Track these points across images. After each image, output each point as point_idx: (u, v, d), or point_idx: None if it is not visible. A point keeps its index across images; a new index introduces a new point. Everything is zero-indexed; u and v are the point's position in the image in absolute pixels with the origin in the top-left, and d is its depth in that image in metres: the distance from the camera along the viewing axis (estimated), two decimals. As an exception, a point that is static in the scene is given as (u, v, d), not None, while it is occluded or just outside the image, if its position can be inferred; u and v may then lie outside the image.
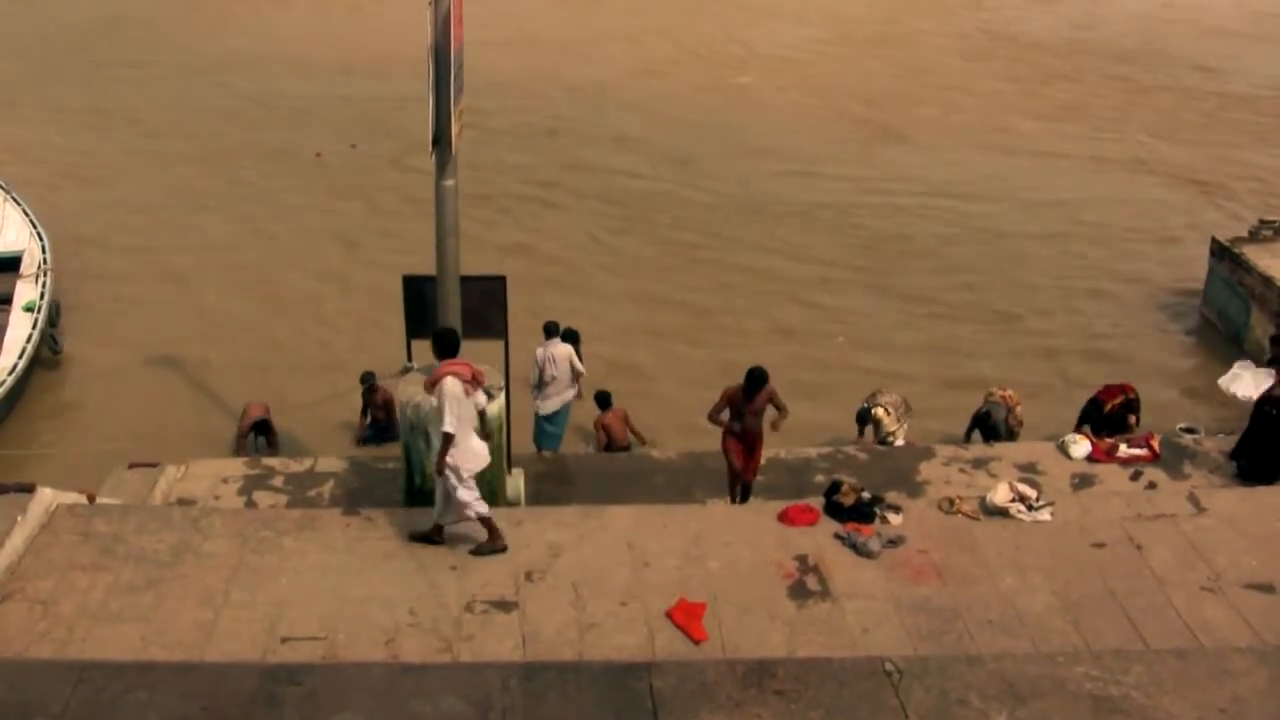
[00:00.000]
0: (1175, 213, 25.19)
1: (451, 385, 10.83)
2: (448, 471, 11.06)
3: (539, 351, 15.43)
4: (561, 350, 15.52)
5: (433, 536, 11.62)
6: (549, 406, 15.58)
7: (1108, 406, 15.47)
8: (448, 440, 10.89)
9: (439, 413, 10.90)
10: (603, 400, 16.31)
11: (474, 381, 11.06)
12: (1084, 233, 24.02)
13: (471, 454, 11.19)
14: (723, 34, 37.41)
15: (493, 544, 11.52)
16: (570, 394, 15.79)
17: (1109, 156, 28.05)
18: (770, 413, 13.26)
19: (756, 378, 12.96)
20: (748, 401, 13.07)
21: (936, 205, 25.10)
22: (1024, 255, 22.97)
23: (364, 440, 16.37)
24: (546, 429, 15.74)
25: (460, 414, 10.90)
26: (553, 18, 37.43)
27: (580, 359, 16.21)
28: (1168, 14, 39.71)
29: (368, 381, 16.27)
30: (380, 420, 16.35)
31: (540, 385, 15.47)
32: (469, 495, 11.26)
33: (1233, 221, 23.43)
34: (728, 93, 32.17)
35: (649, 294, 21.09)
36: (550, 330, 15.65)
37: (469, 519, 11.44)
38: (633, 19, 38.34)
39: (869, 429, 15.83)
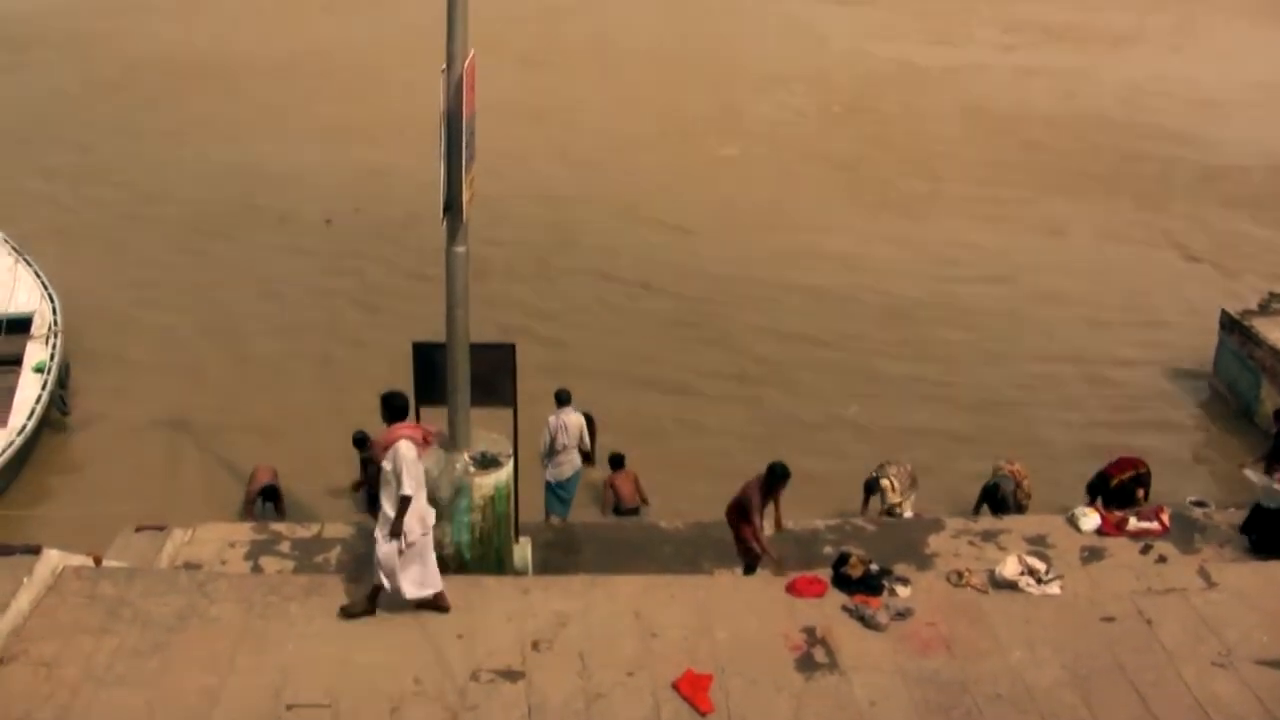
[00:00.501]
0: (1176, 285, 25.11)
1: (406, 449, 10.95)
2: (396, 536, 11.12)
3: (551, 420, 15.48)
4: (574, 419, 15.58)
5: (367, 603, 11.58)
6: (560, 474, 15.62)
7: (1115, 480, 15.44)
8: (406, 503, 10.98)
9: (395, 476, 10.97)
10: (616, 461, 16.42)
11: (425, 444, 11.18)
12: (1086, 305, 23.93)
13: (420, 518, 11.26)
14: (707, 103, 37.09)
15: (361, 606, 11.51)
16: (579, 462, 15.82)
17: (1105, 229, 27.91)
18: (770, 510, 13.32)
19: (779, 473, 12.98)
20: (768, 496, 13.05)
21: (937, 282, 24.87)
22: (1028, 330, 22.84)
23: (368, 507, 16.25)
24: (557, 496, 15.77)
25: (416, 477, 11.02)
26: (521, 87, 36.14)
27: (593, 441, 16.34)
28: (1157, 85, 39.60)
29: (361, 441, 16.11)
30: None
31: (551, 453, 15.51)
32: (397, 559, 11.21)
33: (1227, 295, 23.42)
34: (715, 165, 31.95)
35: (645, 375, 20.83)
36: (562, 398, 15.68)
37: (382, 579, 11.35)
38: (608, 86, 38.18)
39: (874, 499, 15.76)
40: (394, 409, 11.30)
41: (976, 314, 23.37)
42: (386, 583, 11.30)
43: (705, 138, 34.02)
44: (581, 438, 15.69)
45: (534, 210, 27.79)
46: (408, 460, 10.91)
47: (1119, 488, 15.38)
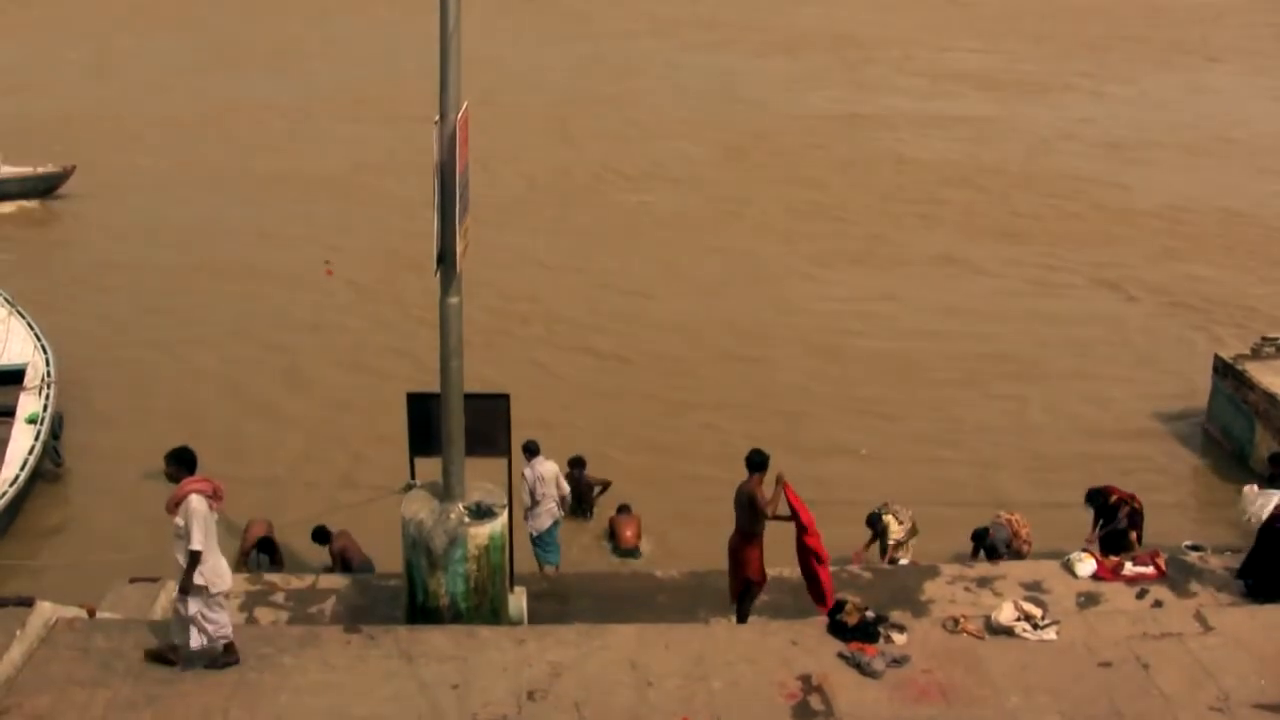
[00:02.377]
0: (1144, 329, 25.04)
1: (197, 503, 10.89)
2: (193, 593, 11.03)
3: (527, 472, 15.41)
4: (548, 469, 15.57)
5: (168, 656, 11.48)
6: (539, 525, 15.57)
7: (1113, 498, 15.47)
8: (196, 558, 10.90)
9: (186, 531, 10.89)
10: (622, 508, 16.99)
11: (215, 496, 11.10)
12: (1063, 356, 23.72)
13: (219, 573, 11.20)
14: (616, 153, 36.69)
15: (227, 658, 11.47)
16: (558, 511, 15.81)
17: (1060, 281, 27.66)
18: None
19: (758, 461, 12.79)
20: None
21: (909, 333, 24.59)
22: (1003, 380, 22.57)
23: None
24: (541, 547, 15.73)
25: (208, 530, 10.94)
26: (410, 146, 31.67)
27: (592, 489, 16.93)
28: (1079, 130, 39.72)
29: (321, 535, 15.90)
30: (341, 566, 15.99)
31: (532, 505, 15.46)
32: (219, 615, 11.25)
33: (1199, 338, 23.78)
34: (627, 212, 31.66)
35: (617, 434, 20.42)
36: (531, 449, 15.56)
37: (215, 641, 11.32)
38: (512, 140, 37.16)
39: (877, 541, 15.65)
40: (183, 462, 11.20)
41: (952, 364, 23.21)
42: (181, 635, 11.28)
43: (615, 185, 33.87)
44: (558, 484, 15.69)
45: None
46: (199, 514, 10.85)
47: (1116, 504, 15.39)
